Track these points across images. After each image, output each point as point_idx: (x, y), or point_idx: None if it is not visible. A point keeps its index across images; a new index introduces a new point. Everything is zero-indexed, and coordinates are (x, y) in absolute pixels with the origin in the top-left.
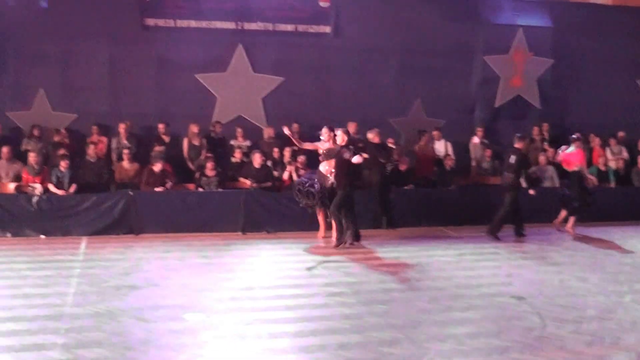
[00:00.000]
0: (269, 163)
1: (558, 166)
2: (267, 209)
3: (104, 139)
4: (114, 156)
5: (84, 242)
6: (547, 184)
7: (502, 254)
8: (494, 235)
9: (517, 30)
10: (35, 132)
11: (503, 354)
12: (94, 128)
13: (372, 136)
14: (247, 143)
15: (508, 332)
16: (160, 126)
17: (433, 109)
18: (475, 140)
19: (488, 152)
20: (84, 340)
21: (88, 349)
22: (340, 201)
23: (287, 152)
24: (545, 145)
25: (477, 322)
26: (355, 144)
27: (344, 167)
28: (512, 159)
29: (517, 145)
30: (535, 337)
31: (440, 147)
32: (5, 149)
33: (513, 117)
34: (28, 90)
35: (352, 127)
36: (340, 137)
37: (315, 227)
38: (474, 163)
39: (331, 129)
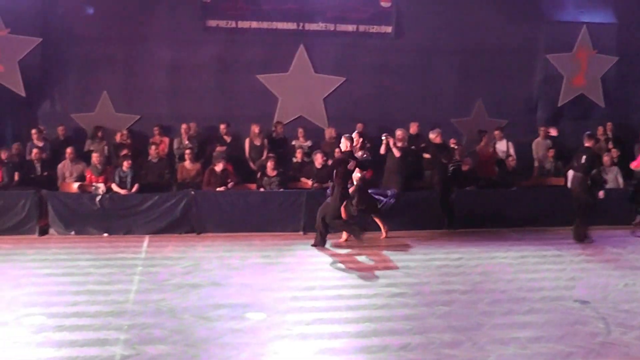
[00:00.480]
0: (330, 163)
1: (622, 167)
2: None
3: (166, 140)
4: (176, 156)
5: (146, 240)
6: (610, 185)
7: (566, 256)
8: (584, 239)
9: (581, 28)
10: (99, 134)
11: (566, 359)
12: (156, 129)
13: (433, 136)
14: (308, 143)
15: (571, 337)
16: (222, 126)
17: (495, 109)
18: (539, 139)
19: (551, 152)
20: (146, 336)
21: (150, 345)
22: (331, 208)
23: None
24: (610, 145)
25: (539, 326)
26: (362, 149)
27: (342, 175)
28: (583, 158)
29: (587, 143)
30: (599, 343)
31: (502, 147)
32: (69, 150)
33: (576, 116)
34: (92, 92)
35: (413, 127)
36: (344, 144)
37: (375, 227)
38: (536, 163)
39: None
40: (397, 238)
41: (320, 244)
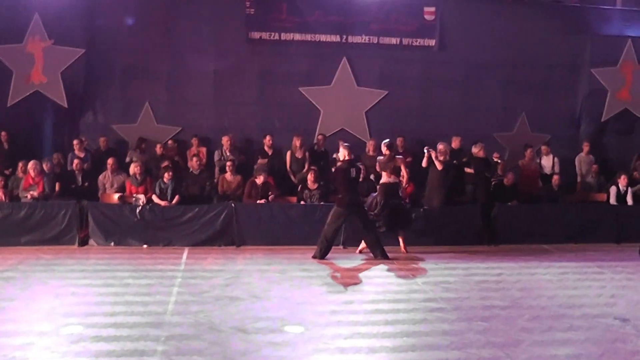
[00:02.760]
0: (372, 177)
1: None
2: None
3: (203, 150)
4: (216, 168)
5: (185, 252)
6: None
7: (607, 273)
8: None
9: (627, 42)
10: (142, 145)
11: None
12: (194, 139)
13: (476, 150)
14: (350, 157)
15: (611, 355)
16: (267, 138)
17: (538, 123)
18: (582, 155)
19: (594, 168)
20: (184, 348)
21: (187, 357)
22: (333, 217)
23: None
24: None
25: (579, 343)
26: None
27: (346, 183)
28: None
29: None
30: None
31: (547, 162)
32: (110, 161)
33: (620, 131)
34: (134, 104)
35: (455, 142)
36: (342, 153)
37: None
38: (579, 179)
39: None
40: (438, 253)
41: (320, 256)
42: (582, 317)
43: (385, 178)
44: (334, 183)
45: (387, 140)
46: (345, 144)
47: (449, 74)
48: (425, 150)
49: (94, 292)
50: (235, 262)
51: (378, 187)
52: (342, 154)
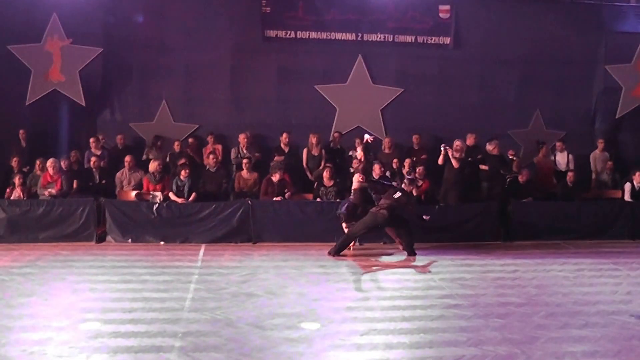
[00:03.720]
0: (388, 174)
1: None
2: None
3: (220, 147)
4: (233, 166)
5: (202, 249)
6: None
7: (623, 270)
8: None
9: None
10: (159, 143)
11: None
12: (210, 137)
13: (491, 148)
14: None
15: (628, 352)
16: (284, 136)
17: (553, 120)
18: (597, 152)
19: (609, 165)
20: (201, 344)
21: (205, 353)
22: (361, 225)
23: (406, 163)
24: None
25: (595, 340)
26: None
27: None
28: None
29: None
30: None
31: (562, 159)
32: (128, 158)
33: (635, 128)
34: (151, 102)
35: (470, 139)
36: (375, 170)
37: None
38: (594, 175)
39: None
40: (454, 249)
41: (335, 252)
42: (597, 314)
43: (357, 183)
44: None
45: (368, 136)
46: (377, 161)
47: (464, 72)
48: (442, 148)
49: (111, 289)
50: (251, 259)
51: (353, 191)
52: (375, 170)
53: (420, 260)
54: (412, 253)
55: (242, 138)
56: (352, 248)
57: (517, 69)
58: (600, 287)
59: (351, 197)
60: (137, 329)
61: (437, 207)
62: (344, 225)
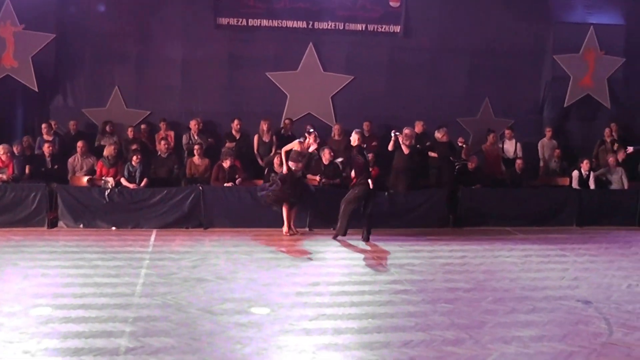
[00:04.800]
0: (338, 160)
1: (628, 167)
2: (335, 206)
3: (172, 133)
4: (185, 152)
5: (153, 234)
6: (615, 186)
7: (570, 256)
8: None
9: (589, 29)
10: (107, 128)
11: (568, 358)
12: (162, 123)
13: (440, 135)
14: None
15: (574, 336)
16: (235, 122)
17: (501, 108)
18: (545, 140)
19: (557, 152)
20: (152, 329)
21: (155, 338)
22: (354, 197)
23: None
24: (616, 146)
25: (542, 325)
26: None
27: (362, 167)
28: None
29: None
30: (601, 344)
31: (510, 147)
32: (80, 144)
33: (583, 117)
34: (103, 88)
35: (418, 126)
36: (353, 139)
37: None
38: (542, 163)
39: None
40: (403, 236)
41: (341, 234)
42: (544, 300)
43: (294, 165)
44: (350, 169)
45: (312, 129)
46: (358, 130)
47: (414, 60)
48: (393, 134)
49: (63, 274)
50: (202, 244)
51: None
52: (354, 139)
53: (370, 245)
54: (368, 238)
55: (193, 124)
56: (297, 232)
57: (466, 58)
58: (548, 273)
59: (280, 178)
60: (88, 314)
61: (386, 193)
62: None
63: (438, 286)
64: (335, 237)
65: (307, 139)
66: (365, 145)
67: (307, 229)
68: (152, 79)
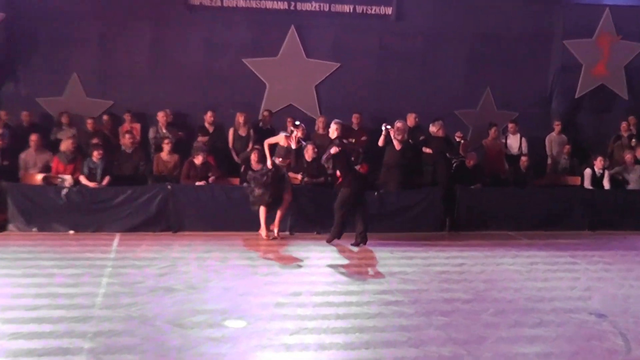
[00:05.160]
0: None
1: None
2: (318, 207)
3: (137, 126)
4: (152, 147)
5: (116, 239)
6: (632, 186)
7: (581, 264)
8: None
9: (604, 11)
10: (63, 120)
11: None
12: (127, 115)
13: (435, 129)
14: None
15: (586, 354)
16: (209, 114)
17: (504, 100)
18: (553, 134)
19: (566, 148)
20: (114, 345)
21: (118, 355)
22: (344, 199)
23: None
24: (634, 142)
25: (550, 340)
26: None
27: (343, 162)
28: None
29: None
30: None
31: (515, 142)
32: (34, 137)
33: (596, 109)
34: (61, 74)
35: (410, 119)
36: (332, 129)
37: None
38: (550, 160)
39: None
40: (394, 240)
41: (336, 237)
42: (553, 312)
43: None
44: (332, 166)
45: (298, 122)
46: (337, 120)
47: (407, 46)
48: (383, 128)
49: (13, 283)
50: (171, 250)
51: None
52: (332, 130)
53: (357, 251)
54: (358, 244)
55: (161, 116)
56: (279, 237)
57: (466, 43)
58: (556, 282)
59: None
60: (41, 329)
61: (376, 193)
62: (262, 210)
63: (433, 297)
64: (329, 241)
65: (295, 133)
66: (354, 140)
67: (288, 233)
68: (115, 65)
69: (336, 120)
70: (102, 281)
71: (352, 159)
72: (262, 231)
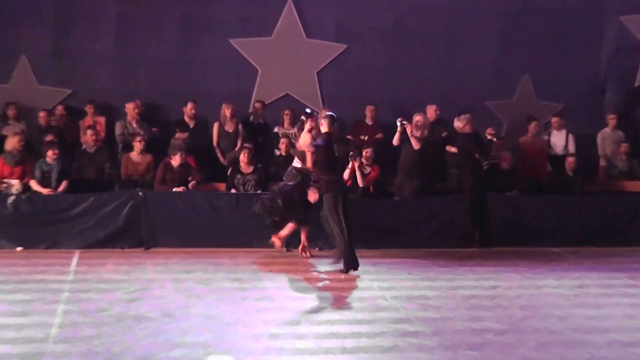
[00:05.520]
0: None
1: None
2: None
3: (102, 120)
4: (119, 145)
5: (75, 257)
6: None
7: None
8: None
9: None
10: (10, 112)
11: None
12: (89, 107)
13: (461, 125)
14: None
15: None
16: (189, 106)
17: (547, 89)
18: (607, 130)
19: (623, 147)
20: None
21: None
22: (328, 211)
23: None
24: None
25: None
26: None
27: (323, 161)
28: None
29: None
30: None
31: (559, 140)
32: None
33: None
34: (6, 57)
35: (430, 112)
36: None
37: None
38: (603, 162)
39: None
40: (412, 258)
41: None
42: (607, 346)
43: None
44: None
45: (309, 110)
46: (329, 113)
47: (427, 24)
48: (399, 123)
49: None
50: (143, 270)
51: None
52: (322, 123)
53: (367, 272)
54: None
55: (130, 108)
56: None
57: (498, 21)
58: (611, 310)
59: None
60: None
61: (390, 201)
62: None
63: (460, 327)
64: (345, 272)
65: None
66: (366, 138)
67: (284, 249)
68: (75, 46)
69: (327, 112)
70: (57, 309)
71: (351, 153)
72: (278, 238)
